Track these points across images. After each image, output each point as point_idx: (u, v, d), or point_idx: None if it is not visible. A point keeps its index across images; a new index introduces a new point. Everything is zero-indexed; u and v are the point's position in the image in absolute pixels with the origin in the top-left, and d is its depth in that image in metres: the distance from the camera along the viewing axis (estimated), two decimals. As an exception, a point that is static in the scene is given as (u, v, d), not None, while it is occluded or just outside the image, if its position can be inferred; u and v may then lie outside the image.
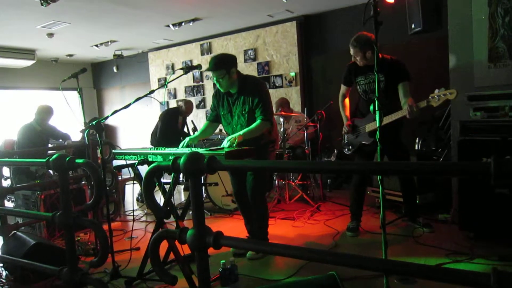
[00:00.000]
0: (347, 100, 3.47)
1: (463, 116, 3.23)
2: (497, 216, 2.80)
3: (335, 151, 5.33)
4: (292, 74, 6.15)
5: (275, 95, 6.26)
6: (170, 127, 5.15)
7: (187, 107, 5.32)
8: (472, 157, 2.94)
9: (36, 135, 4.67)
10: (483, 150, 2.86)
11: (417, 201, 3.57)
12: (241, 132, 2.83)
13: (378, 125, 2.22)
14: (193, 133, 5.14)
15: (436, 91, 2.80)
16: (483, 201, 2.88)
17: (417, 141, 4.62)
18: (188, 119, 5.47)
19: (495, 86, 3.23)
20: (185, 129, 5.43)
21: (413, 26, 4.01)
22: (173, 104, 7.49)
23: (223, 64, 2.89)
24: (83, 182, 4.24)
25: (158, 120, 5.33)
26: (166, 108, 7.49)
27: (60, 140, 5.09)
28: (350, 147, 3.45)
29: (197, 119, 7.09)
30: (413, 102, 2.90)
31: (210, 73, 6.98)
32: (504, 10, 3.22)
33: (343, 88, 3.46)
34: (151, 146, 5.26)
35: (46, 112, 4.72)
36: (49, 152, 4.78)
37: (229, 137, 2.80)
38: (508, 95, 3.02)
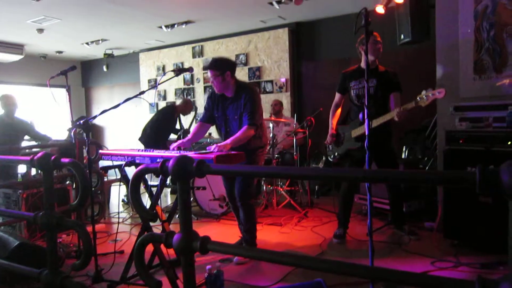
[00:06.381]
0: (339, 110, 3.49)
1: (449, 126, 3.28)
2: (480, 225, 2.85)
3: (324, 158, 5.36)
4: (283, 80, 6.18)
5: (265, 100, 6.28)
6: (166, 123, 5.09)
7: (185, 106, 5.25)
8: (457, 166, 2.99)
9: (8, 128, 4.44)
10: (468, 159, 2.92)
11: (403, 209, 3.61)
12: (228, 141, 2.84)
13: (367, 131, 2.24)
14: (183, 137, 5.12)
15: (423, 92, 2.84)
16: (467, 210, 2.93)
17: (404, 149, 4.68)
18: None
19: (480, 97, 3.30)
20: (177, 126, 5.36)
21: (402, 36, 4.09)
22: (162, 105, 7.43)
23: (219, 65, 2.99)
24: (67, 182, 4.16)
25: (155, 115, 5.23)
26: (155, 109, 7.44)
27: (40, 143, 4.86)
28: (336, 154, 3.48)
29: (187, 122, 7.05)
30: (401, 107, 2.95)
31: (200, 77, 7.04)
32: (489, 24, 3.30)
33: (337, 96, 3.48)
34: (140, 143, 5.18)
35: (10, 101, 4.45)
36: (31, 150, 4.65)
37: (218, 145, 2.77)
38: (492, 106, 3.10)
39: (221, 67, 2.98)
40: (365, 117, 2.25)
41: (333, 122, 3.45)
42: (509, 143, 2.76)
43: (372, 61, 3.20)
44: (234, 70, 3.07)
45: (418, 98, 2.86)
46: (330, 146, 3.52)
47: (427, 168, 4.13)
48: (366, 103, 2.26)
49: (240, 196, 3.01)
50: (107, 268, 2.87)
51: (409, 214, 3.78)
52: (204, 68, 3.09)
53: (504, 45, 3.24)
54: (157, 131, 5.00)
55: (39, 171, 2.94)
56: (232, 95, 3.07)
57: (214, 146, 2.76)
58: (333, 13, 5.71)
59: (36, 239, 3.59)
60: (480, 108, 3.16)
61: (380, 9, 3.92)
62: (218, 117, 3.17)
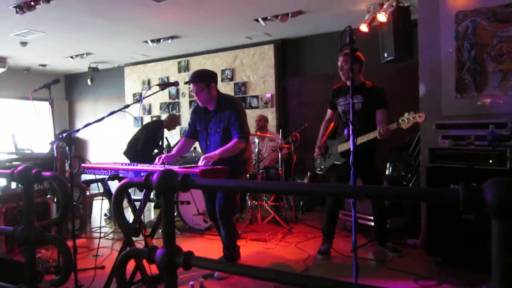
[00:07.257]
0: (331, 125, 3.57)
1: (432, 143, 3.33)
2: (463, 242, 2.87)
3: (308, 173, 5.38)
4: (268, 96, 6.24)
5: (251, 115, 6.30)
6: (152, 139, 5.03)
7: (170, 121, 5.22)
8: (439, 183, 3.03)
9: None
10: (451, 176, 2.95)
11: (387, 226, 3.62)
12: (217, 152, 2.81)
13: (352, 148, 2.26)
14: (167, 151, 5.06)
15: (406, 114, 2.92)
16: (450, 227, 2.95)
17: (387, 166, 4.74)
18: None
19: (462, 116, 3.37)
20: (160, 143, 5.31)
21: (385, 55, 4.20)
22: (147, 119, 7.39)
23: (204, 78, 2.96)
24: (48, 196, 4.05)
25: (141, 131, 5.16)
26: (140, 123, 7.37)
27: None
28: (322, 167, 3.53)
29: (171, 136, 7.00)
30: (385, 125, 3.01)
31: (186, 91, 7.03)
32: (470, 44, 3.41)
33: (328, 112, 3.57)
34: (124, 156, 5.08)
35: None
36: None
37: (206, 156, 2.77)
38: (473, 125, 3.16)
39: (206, 79, 2.95)
40: (350, 133, 2.28)
41: (322, 134, 3.51)
42: (491, 161, 2.81)
43: (349, 78, 3.26)
44: (217, 81, 3.05)
45: (400, 120, 2.94)
46: (318, 158, 3.56)
47: (410, 185, 4.18)
48: (351, 119, 2.29)
49: (221, 214, 2.95)
50: (87, 284, 2.79)
51: (393, 230, 3.80)
52: (187, 82, 3.05)
53: (485, 65, 3.35)
54: (148, 148, 4.94)
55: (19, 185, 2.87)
56: (215, 107, 3.03)
57: (202, 158, 2.75)
58: (318, 31, 5.83)
59: (14, 254, 3.48)
60: (462, 126, 3.21)
61: (364, 28, 4.03)
62: (199, 131, 3.13)
